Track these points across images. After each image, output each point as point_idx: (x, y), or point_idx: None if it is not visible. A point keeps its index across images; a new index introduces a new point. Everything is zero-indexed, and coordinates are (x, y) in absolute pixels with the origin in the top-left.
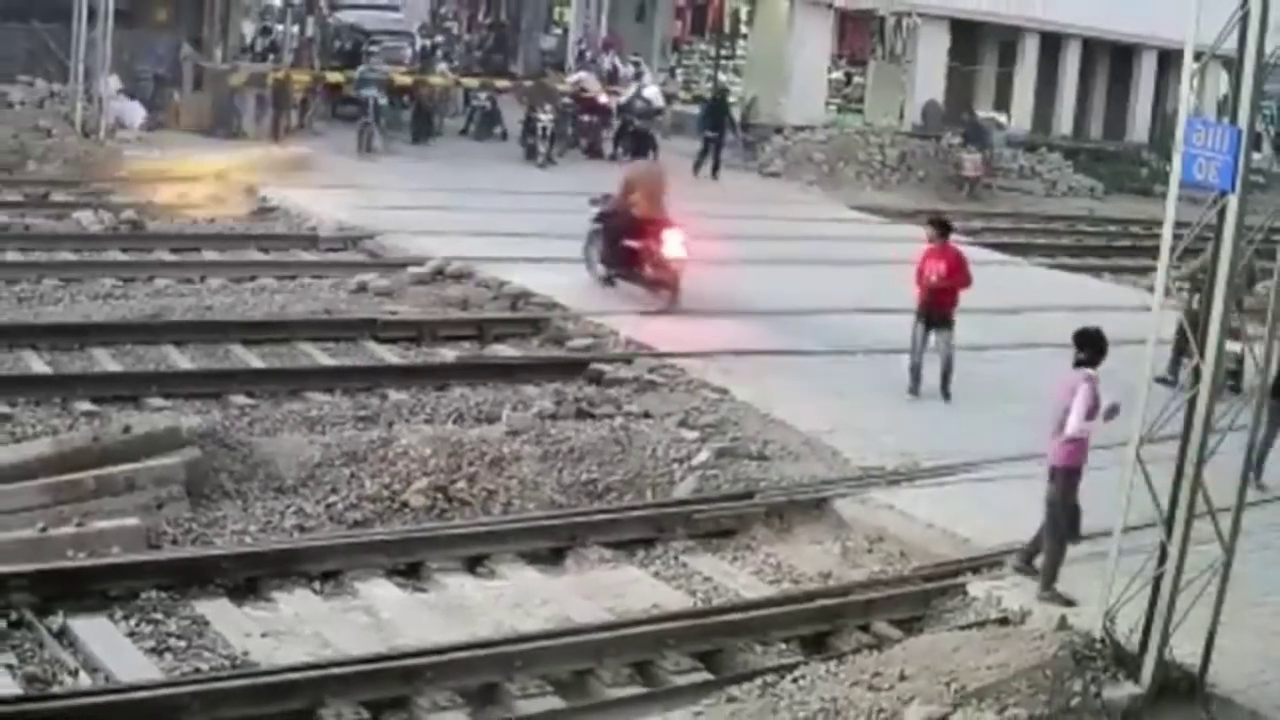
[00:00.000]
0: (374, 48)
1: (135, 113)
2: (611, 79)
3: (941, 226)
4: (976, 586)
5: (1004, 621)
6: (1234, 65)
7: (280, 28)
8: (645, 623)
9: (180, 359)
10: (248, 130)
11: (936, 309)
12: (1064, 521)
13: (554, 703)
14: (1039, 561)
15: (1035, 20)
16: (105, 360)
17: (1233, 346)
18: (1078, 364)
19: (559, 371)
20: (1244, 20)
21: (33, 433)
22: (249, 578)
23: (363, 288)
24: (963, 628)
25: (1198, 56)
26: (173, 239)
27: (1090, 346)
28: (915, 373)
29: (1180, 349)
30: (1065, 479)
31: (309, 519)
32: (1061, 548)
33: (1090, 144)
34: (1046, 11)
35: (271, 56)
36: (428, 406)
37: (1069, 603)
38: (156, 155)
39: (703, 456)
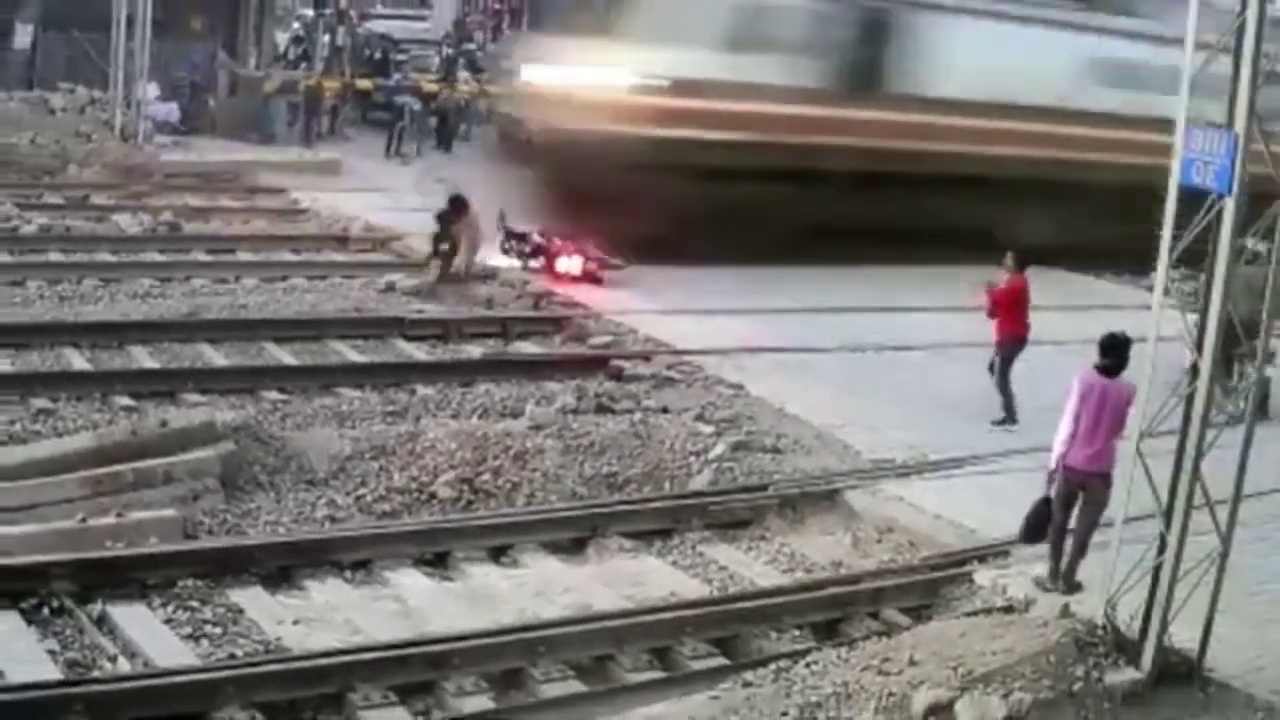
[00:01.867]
0: (402, 56)
1: (171, 118)
2: None
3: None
4: (982, 575)
5: (1009, 609)
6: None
7: (313, 36)
8: (664, 610)
9: (215, 356)
10: (280, 135)
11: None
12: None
13: (576, 687)
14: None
15: None
16: (143, 357)
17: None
18: (1104, 369)
19: (580, 368)
20: (1240, 28)
21: (73, 427)
22: (282, 567)
23: (391, 287)
24: (969, 615)
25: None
26: (208, 240)
27: (1119, 351)
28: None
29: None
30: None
31: (340, 510)
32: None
33: None
34: None
35: (303, 65)
36: (454, 402)
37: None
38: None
39: (719, 450)
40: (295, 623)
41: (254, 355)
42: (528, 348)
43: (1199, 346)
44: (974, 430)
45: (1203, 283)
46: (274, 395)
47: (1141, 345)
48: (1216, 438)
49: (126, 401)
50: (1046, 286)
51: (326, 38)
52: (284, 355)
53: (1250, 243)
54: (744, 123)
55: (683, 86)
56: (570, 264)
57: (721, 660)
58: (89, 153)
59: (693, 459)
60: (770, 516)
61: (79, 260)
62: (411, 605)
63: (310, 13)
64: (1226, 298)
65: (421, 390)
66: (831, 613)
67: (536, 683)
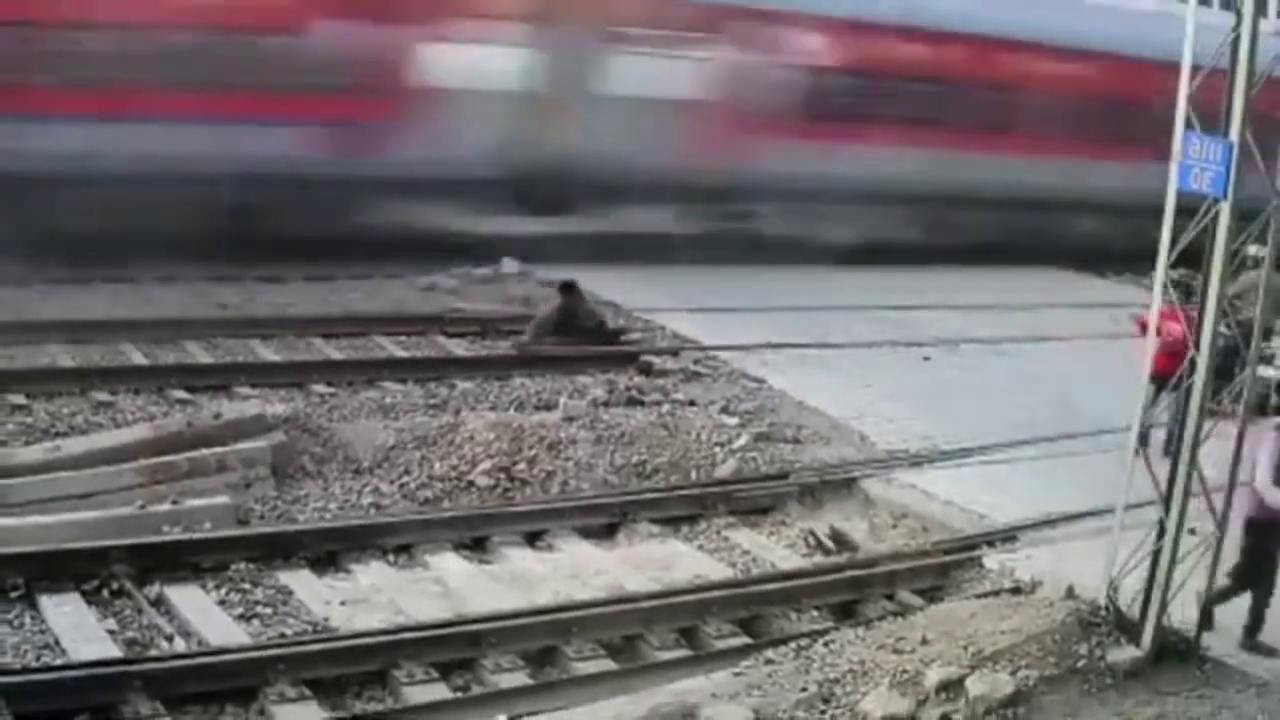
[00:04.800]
0: None
1: None
2: None
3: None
4: (991, 559)
5: (1016, 591)
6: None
7: None
8: (690, 592)
9: (266, 351)
10: None
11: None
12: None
13: (607, 665)
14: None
15: None
16: (198, 352)
17: (1267, 372)
18: None
19: (611, 363)
20: (1235, 41)
21: (132, 419)
22: (329, 551)
23: (432, 287)
24: (979, 596)
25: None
26: None
27: None
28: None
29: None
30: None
31: (384, 497)
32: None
33: None
34: None
35: None
36: (491, 395)
37: (1272, 651)
38: None
39: (742, 440)
40: (342, 604)
41: (302, 350)
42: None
43: (1196, 342)
44: (983, 421)
45: (1199, 282)
46: (322, 388)
47: (1141, 341)
48: (1212, 429)
49: (182, 394)
50: (1047, 286)
51: None
52: (331, 350)
53: (1253, 250)
54: None
55: None
56: None
57: (745, 639)
58: None
59: (718, 449)
60: (791, 503)
61: None
62: (452, 587)
63: None
64: (1222, 297)
65: (461, 384)
66: (848, 594)
67: (570, 660)
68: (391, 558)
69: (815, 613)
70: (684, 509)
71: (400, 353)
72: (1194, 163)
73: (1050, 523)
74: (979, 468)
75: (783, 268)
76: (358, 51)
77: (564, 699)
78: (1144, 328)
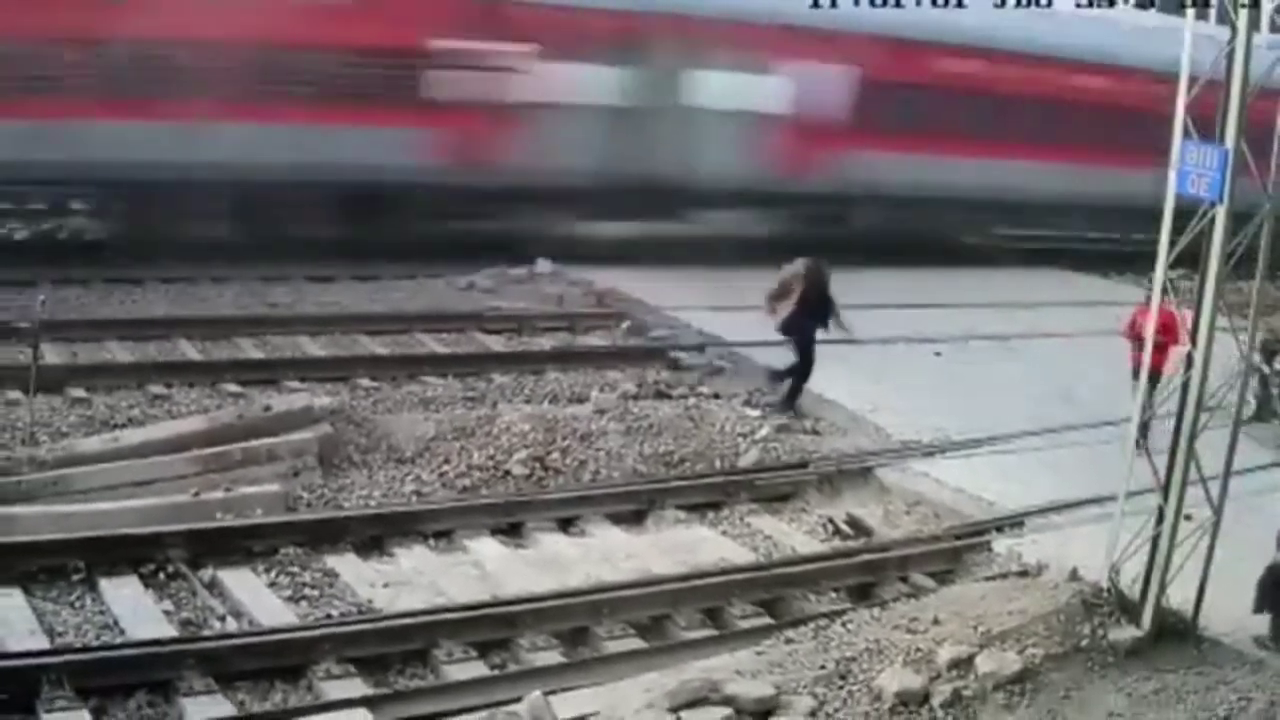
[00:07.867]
0: None
1: None
2: None
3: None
4: (1000, 544)
5: (1023, 574)
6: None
7: None
8: (714, 575)
9: (313, 347)
10: None
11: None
12: None
13: (636, 644)
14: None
15: None
16: (249, 348)
17: None
18: None
19: (640, 358)
20: (1231, 53)
21: (186, 411)
22: (373, 535)
23: (470, 286)
24: (988, 579)
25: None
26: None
27: None
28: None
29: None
30: None
31: (425, 485)
32: None
33: None
34: None
35: None
36: (527, 388)
37: None
38: None
39: (764, 431)
40: (385, 586)
41: (348, 346)
42: (593, 340)
43: (1193, 339)
44: (992, 414)
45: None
46: (366, 382)
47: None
48: (1208, 420)
49: (234, 388)
50: (1051, 286)
51: None
52: (375, 346)
53: None
54: None
55: None
56: None
57: (766, 620)
58: None
59: (741, 439)
60: (810, 491)
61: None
62: (489, 570)
63: None
64: (1219, 296)
65: (498, 378)
66: (865, 577)
67: (601, 640)
68: (432, 542)
69: (833, 594)
70: (709, 496)
71: (440, 349)
72: (1191, 169)
73: (1055, 509)
74: (988, 457)
75: None
76: None
77: (595, 676)
78: (1129, 329)
